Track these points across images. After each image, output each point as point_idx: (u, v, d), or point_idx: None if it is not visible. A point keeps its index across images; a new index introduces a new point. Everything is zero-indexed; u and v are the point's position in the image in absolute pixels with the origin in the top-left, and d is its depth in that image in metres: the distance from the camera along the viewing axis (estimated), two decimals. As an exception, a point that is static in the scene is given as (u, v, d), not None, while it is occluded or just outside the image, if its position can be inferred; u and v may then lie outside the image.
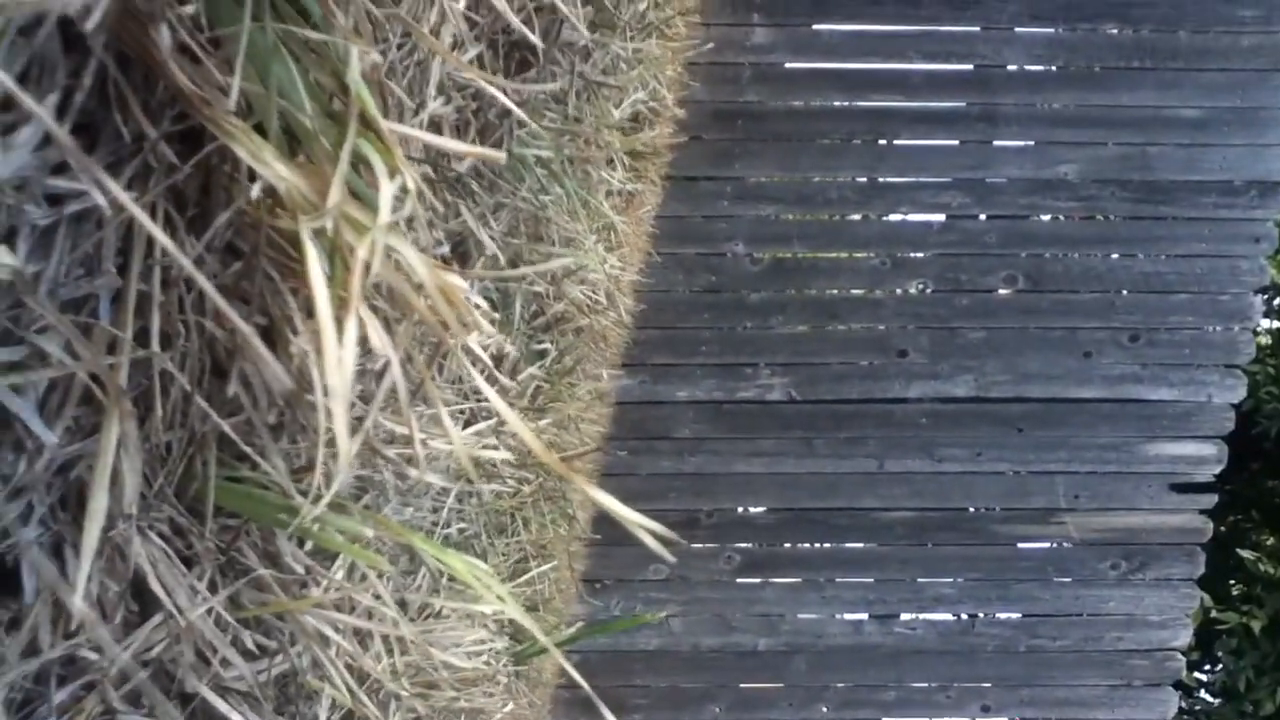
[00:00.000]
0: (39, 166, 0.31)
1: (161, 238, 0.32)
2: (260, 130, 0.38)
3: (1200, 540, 3.33)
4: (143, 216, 0.31)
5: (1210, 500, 3.33)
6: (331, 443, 0.49)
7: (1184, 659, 3.38)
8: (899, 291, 3.30)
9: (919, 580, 3.35)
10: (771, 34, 3.22)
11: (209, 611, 0.47)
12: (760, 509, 3.35)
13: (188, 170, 0.37)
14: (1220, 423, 3.30)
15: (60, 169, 0.33)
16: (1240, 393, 3.31)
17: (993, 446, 3.30)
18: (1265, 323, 5.48)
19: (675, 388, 3.25)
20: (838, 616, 3.34)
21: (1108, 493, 3.32)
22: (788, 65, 3.26)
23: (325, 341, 0.31)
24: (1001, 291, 3.32)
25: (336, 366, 0.31)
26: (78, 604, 0.34)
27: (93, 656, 0.42)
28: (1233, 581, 5.44)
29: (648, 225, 2.48)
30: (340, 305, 0.35)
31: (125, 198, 0.31)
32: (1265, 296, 4.79)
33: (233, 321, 0.36)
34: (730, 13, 3.17)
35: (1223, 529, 5.28)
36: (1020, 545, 3.37)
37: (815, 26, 3.25)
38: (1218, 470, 3.32)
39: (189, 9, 0.33)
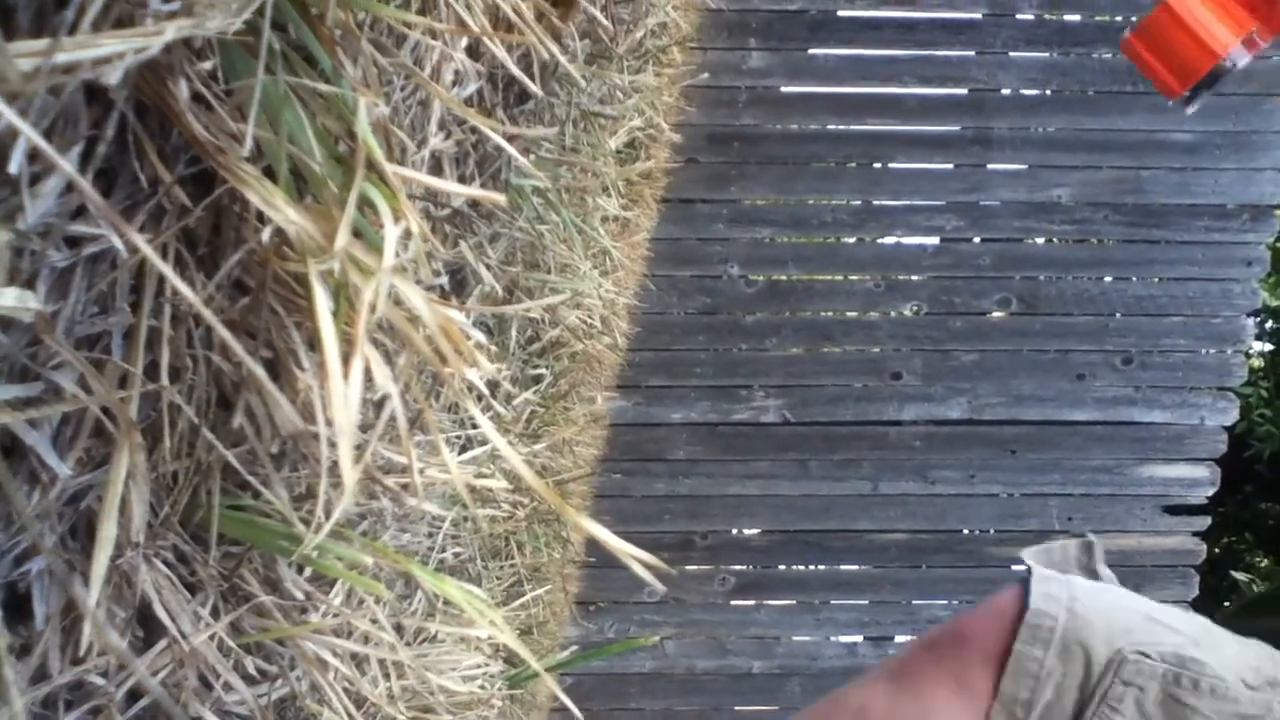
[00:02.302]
0: (60, 213, 0.32)
1: (176, 281, 0.33)
2: (269, 173, 0.39)
3: (1194, 563, 3.34)
4: (158, 261, 0.33)
5: (1203, 523, 3.34)
6: (334, 474, 0.50)
7: (1178, 681, 3.38)
8: (893, 314, 3.32)
9: (914, 602, 3.36)
10: (768, 58, 3.25)
11: (212, 637, 0.48)
12: (755, 531, 3.36)
13: (199, 212, 0.38)
14: (1213, 445, 3.32)
15: (79, 213, 0.34)
16: (1233, 415, 3.33)
17: (986, 469, 3.32)
18: (1257, 345, 5.50)
19: (670, 410, 3.26)
20: (832, 639, 3.34)
21: (1101, 515, 3.33)
22: (784, 89, 3.29)
23: (332, 381, 0.32)
24: (995, 314, 3.34)
25: (342, 404, 0.32)
26: (115, 641, 0.36)
27: (99, 681, 0.43)
28: (1227, 604, 5.44)
29: (643, 249, 2.50)
30: (345, 342, 0.37)
31: (142, 242, 0.33)
32: (1257, 319, 4.83)
33: (242, 359, 0.37)
34: (727, 37, 3.20)
35: (1216, 551, 5.28)
36: (1014, 567, 3.37)
37: (811, 51, 3.28)
38: (1211, 493, 3.34)
39: (207, 64, 0.35)
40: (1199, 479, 3.33)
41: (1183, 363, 3.32)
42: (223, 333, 0.38)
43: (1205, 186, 3.29)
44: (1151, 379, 3.32)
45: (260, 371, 0.38)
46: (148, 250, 0.34)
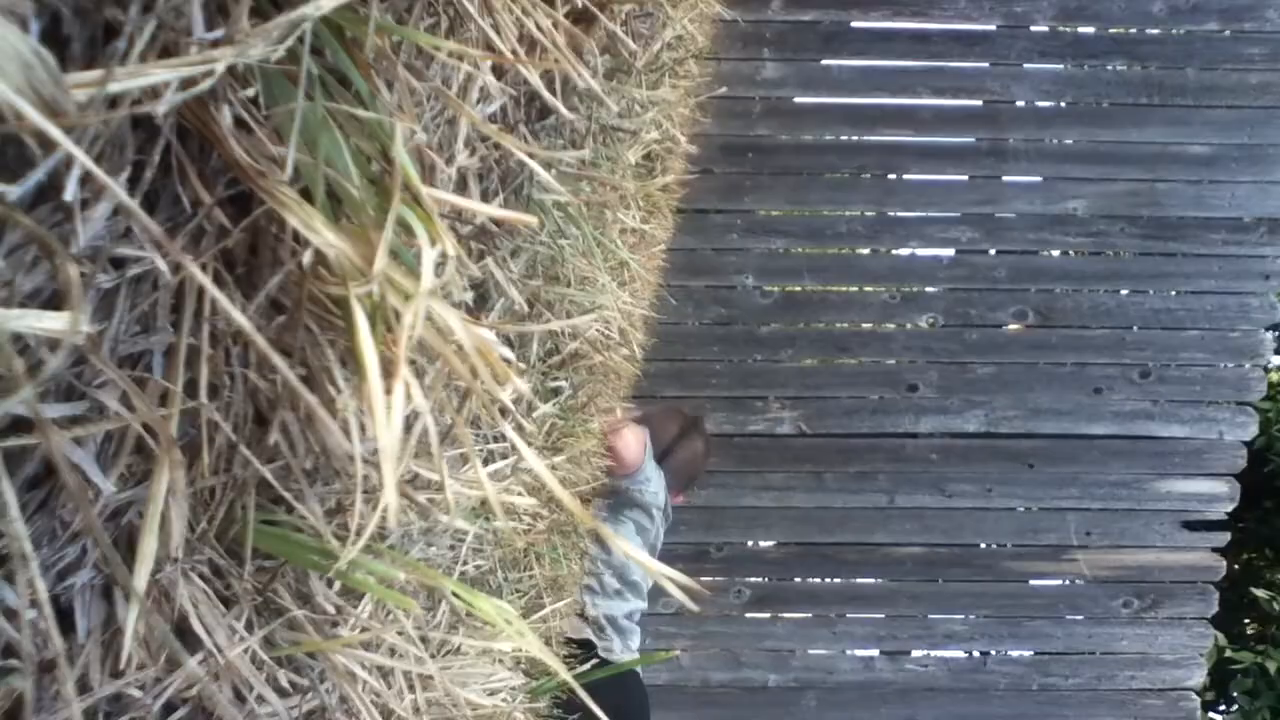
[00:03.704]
0: (107, 236, 0.33)
1: (222, 300, 0.34)
2: (304, 195, 0.40)
3: (1213, 578, 3.32)
4: (206, 281, 0.33)
5: (1223, 538, 3.32)
6: (369, 491, 0.51)
7: (1198, 699, 3.35)
8: (909, 326, 3.32)
9: (930, 616, 3.35)
10: (782, 69, 3.26)
11: (246, 650, 0.49)
12: (770, 543, 3.35)
13: (238, 233, 0.39)
14: (1232, 460, 3.30)
15: (123, 235, 0.35)
16: (1252, 430, 3.31)
17: (1003, 482, 3.31)
18: (1276, 359, 5.46)
19: (686, 421, 3.26)
20: (848, 652, 3.33)
21: (1120, 530, 3.31)
22: (797, 100, 3.30)
23: (375, 404, 0.33)
24: (1011, 327, 3.34)
25: (385, 428, 0.33)
26: (174, 642, 0.36)
27: (137, 694, 0.44)
28: (1247, 620, 5.40)
29: (658, 259, 2.51)
30: (385, 363, 0.37)
31: (189, 262, 0.33)
32: (1276, 333, 4.80)
33: (286, 378, 0.38)
34: (741, 48, 3.21)
35: (1235, 567, 5.24)
36: (1032, 582, 3.36)
37: (825, 62, 3.29)
38: (1230, 508, 3.32)
39: (249, 91, 0.35)
40: (1218, 494, 3.31)
41: (1201, 376, 3.30)
42: (269, 353, 0.39)
43: (1222, 199, 3.28)
44: (1169, 393, 3.30)
45: (308, 395, 0.39)
46: (195, 270, 0.35)
